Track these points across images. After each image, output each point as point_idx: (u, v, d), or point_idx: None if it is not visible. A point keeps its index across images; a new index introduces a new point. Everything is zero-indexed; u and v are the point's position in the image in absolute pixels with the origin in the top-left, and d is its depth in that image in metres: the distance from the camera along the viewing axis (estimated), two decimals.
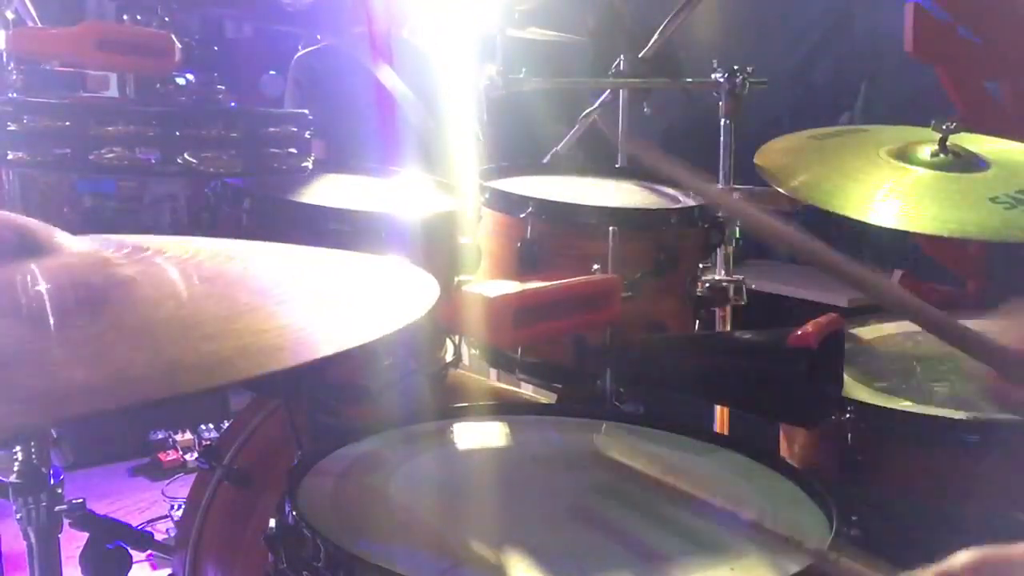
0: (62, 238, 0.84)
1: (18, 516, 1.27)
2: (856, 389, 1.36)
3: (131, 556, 1.35)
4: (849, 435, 1.29)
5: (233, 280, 0.85)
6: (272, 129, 1.43)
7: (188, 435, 3.77)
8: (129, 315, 0.74)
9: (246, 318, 0.75)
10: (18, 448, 1.24)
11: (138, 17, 1.56)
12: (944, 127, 1.58)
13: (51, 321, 0.70)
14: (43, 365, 0.64)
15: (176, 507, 3.06)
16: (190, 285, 0.81)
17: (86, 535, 1.35)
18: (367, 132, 2.30)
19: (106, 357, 0.66)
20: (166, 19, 1.57)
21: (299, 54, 2.80)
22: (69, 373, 0.63)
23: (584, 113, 2.34)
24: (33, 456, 1.24)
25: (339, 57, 2.65)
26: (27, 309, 0.71)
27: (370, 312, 0.84)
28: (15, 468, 1.25)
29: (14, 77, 1.48)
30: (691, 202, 1.71)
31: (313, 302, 0.84)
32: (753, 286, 1.78)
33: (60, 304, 0.73)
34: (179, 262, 0.87)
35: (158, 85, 1.50)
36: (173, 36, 1.48)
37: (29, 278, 0.75)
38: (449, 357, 1.54)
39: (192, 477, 1.73)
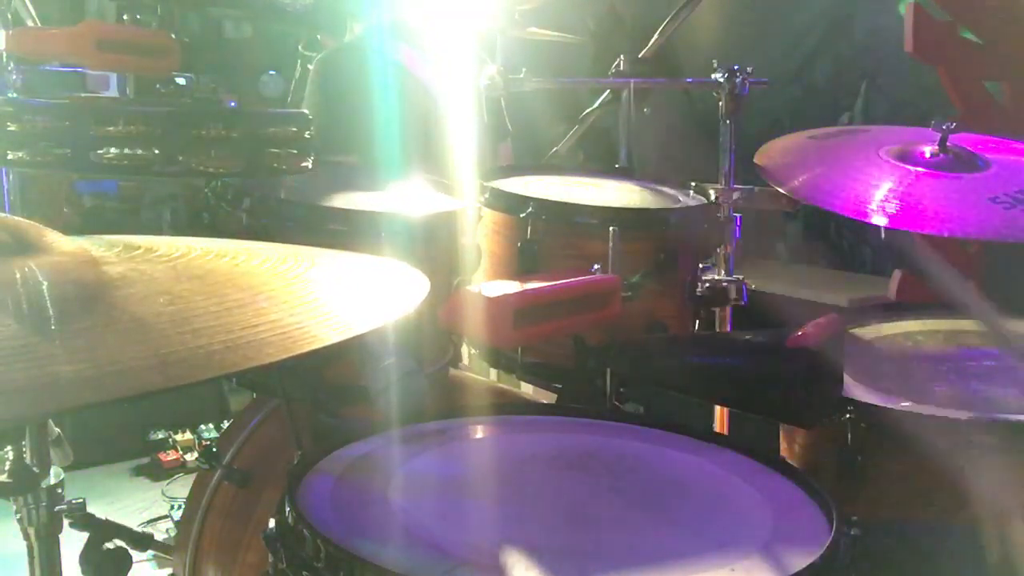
0: (52, 237, 0.84)
1: (18, 516, 1.27)
2: (856, 389, 1.36)
3: (131, 556, 1.35)
4: (849, 435, 1.29)
5: (223, 277, 0.86)
6: (272, 129, 1.43)
7: (188, 435, 3.77)
8: (119, 311, 0.74)
9: (235, 313, 0.76)
10: (9, 448, 1.23)
11: (138, 17, 1.56)
12: (944, 127, 1.58)
13: (50, 315, 0.70)
14: (34, 359, 0.64)
15: (176, 507, 3.06)
16: (180, 282, 0.81)
17: (86, 535, 1.34)
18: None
19: (96, 351, 0.66)
20: (166, 19, 1.57)
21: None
22: (60, 367, 0.64)
23: (584, 113, 2.33)
24: (24, 455, 1.23)
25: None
26: (15, 306, 0.71)
27: (356, 309, 0.85)
28: (6, 468, 1.25)
29: (14, 77, 1.48)
30: (691, 202, 1.71)
31: (301, 299, 0.84)
32: (753, 286, 1.77)
33: (53, 301, 0.73)
34: (169, 260, 0.87)
35: (158, 85, 1.50)
36: (173, 36, 1.48)
37: (18, 275, 0.75)
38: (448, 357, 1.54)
39: (192, 477, 1.72)
